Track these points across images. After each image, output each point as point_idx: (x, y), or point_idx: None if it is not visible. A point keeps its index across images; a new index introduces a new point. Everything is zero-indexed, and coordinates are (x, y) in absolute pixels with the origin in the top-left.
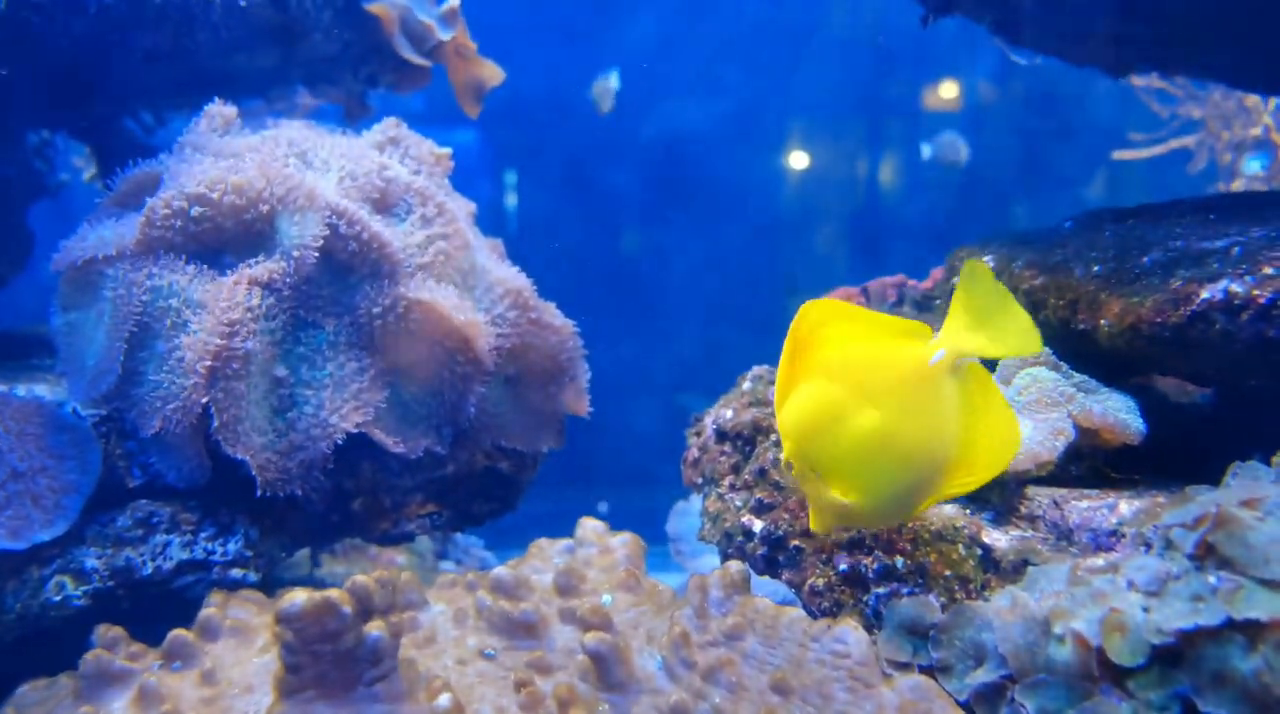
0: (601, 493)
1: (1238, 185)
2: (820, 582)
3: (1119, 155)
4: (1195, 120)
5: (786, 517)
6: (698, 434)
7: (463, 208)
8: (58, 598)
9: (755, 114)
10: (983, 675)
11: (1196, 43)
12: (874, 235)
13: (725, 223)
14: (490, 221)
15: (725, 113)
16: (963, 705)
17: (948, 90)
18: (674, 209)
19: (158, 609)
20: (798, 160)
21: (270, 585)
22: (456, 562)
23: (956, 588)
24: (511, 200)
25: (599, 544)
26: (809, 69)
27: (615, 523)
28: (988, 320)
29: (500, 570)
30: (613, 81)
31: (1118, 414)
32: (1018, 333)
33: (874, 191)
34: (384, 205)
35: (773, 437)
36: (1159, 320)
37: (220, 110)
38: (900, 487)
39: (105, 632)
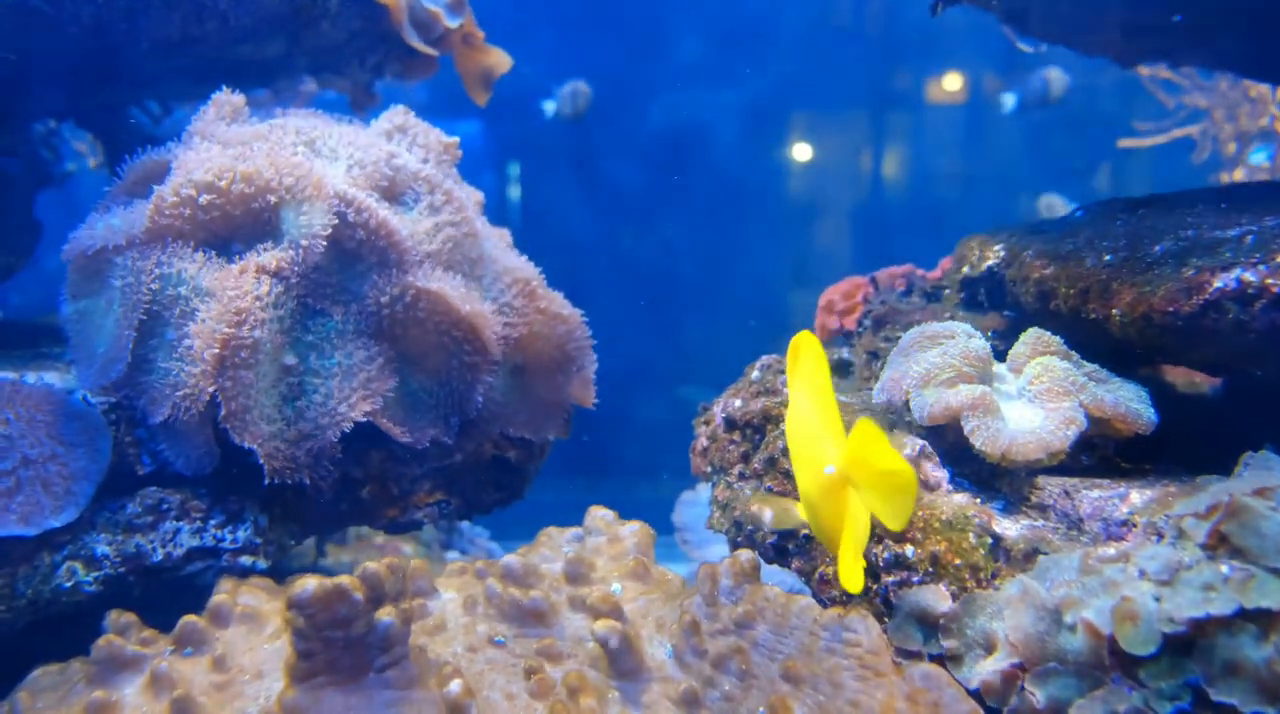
0: (607, 483)
1: (1239, 175)
2: (830, 571)
3: (1124, 143)
4: (1201, 110)
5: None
6: (706, 423)
7: (471, 197)
8: (69, 584)
9: (761, 105)
10: (993, 664)
11: (1206, 32)
12: (882, 225)
13: (731, 214)
14: (496, 212)
15: (731, 104)
16: (972, 694)
17: (952, 82)
18: (680, 200)
19: (168, 596)
20: (803, 151)
21: (278, 574)
22: (462, 551)
23: (967, 577)
24: (516, 191)
25: (608, 533)
26: (816, 60)
27: (620, 513)
28: (871, 465)
29: (510, 558)
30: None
31: (1129, 403)
32: (894, 487)
33: (881, 182)
34: (392, 194)
35: (781, 426)
36: (1171, 309)
37: (228, 99)
38: (822, 538)
39: (117, 617)
